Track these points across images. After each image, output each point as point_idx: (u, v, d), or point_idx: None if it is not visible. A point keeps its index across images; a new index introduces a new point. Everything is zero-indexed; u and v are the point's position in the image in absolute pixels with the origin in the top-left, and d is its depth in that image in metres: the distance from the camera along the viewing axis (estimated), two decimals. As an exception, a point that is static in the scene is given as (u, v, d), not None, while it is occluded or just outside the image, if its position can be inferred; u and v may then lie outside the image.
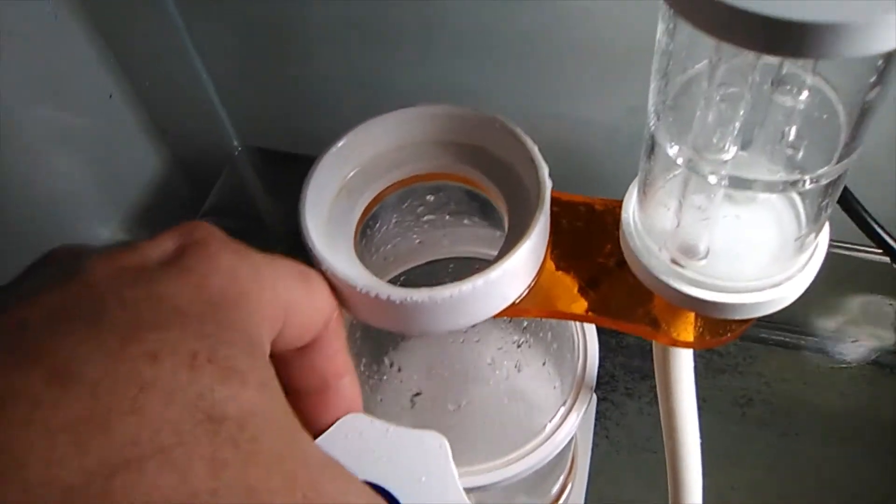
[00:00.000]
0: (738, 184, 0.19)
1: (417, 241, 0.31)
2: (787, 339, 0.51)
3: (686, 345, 0.24)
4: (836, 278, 0.47)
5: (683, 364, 0.25)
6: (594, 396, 0.47)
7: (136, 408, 0.11)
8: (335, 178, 0.25)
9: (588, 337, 0.31)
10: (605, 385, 0.50)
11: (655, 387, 0.28)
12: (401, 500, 0.17)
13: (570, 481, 0.42)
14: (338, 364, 0.18)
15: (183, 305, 0.13)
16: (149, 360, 0.11)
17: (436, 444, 0.18)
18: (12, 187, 0.42)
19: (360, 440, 0.18)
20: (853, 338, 0.49)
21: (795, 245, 0.22)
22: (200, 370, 0.12)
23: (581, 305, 0.24)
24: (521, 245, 0.22)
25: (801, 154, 0.20)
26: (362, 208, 0.26)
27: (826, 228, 0.23)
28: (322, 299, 0.16)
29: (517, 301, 0.24)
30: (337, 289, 0.23)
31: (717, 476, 0.45)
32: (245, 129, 0.51)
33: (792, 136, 0.20)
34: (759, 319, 0.53)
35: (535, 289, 0.24)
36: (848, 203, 0.28)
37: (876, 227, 0.27)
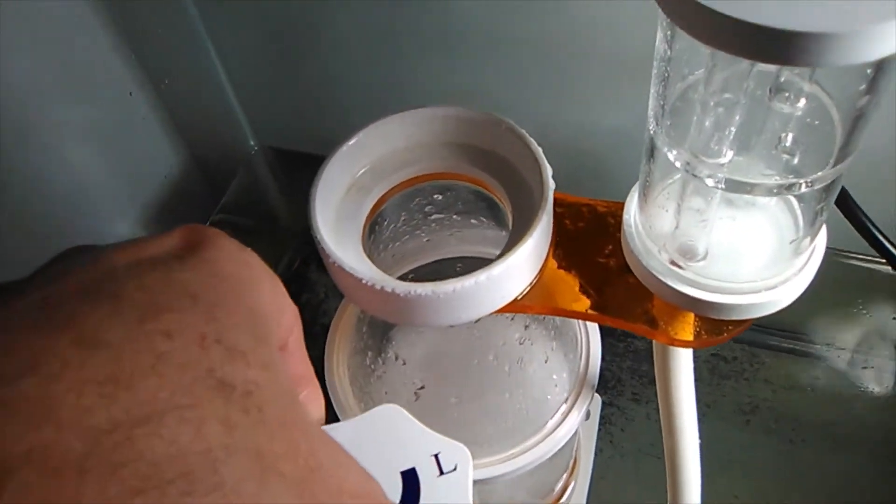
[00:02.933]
0: (735, 187, 0.20)
1: (426, 239, 0.32)
2: (796, 347, 0.51)
3: (684, 344, 0.24)
4: (847, 287, 0.47)
5: (682, 363, 0.25)
6: (599, 399, 0.48)
7: (155, 372, 0.12)
8: (345, 175, 0.26)
9: (591, 336, 0.31)
10: (612, 389, 0.50)
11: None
12: (421, 492, 0.18)
13: (571, 481, 0.43)
14: (300, 372, 0.18)
15: (196, 291, 0.14)
16: (163, 336, 0.12)
17: (462, 456, 0.18)
18: (32, 181, 0.44)
19: (392, 431, 0.19)
20: (860, 346, 0.49)
21: (791, 248, 0.22)
22: (209, 349, 0.13)
23: (582, 303, 0.24)
24: (523, 242, 0.23)
25: (797, 159, 0.20)
26: (371, 205, 0.27)
27: (823, 232, 0.23)
28: (291, 305, 0.17)
29: (519, 298, 0.24)
30: (345, 282, 0.24)
31: (720, 483, 0.46)
32: (262, 129, 0.52)
33: (788, 142, 0.20)
34: (768, 326, 0.53)
35: (537, 286, 0.25)
36: (850, 209, 0.29)
37: (876, 232, 0.27)
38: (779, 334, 0.51)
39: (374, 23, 0.43)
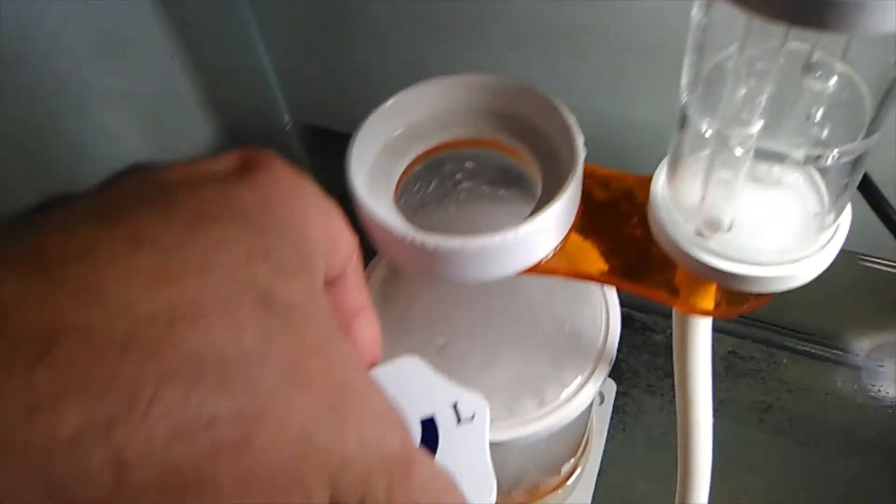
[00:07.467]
0: (764, 156, 0.20)
1: (453, 209, 0.33)
2: (814, 350, 0.51)
3: (704, 312, 0.24)
4: (868, 291, 0.47)
5: (701, 335, 0.26)
6: (614, 385, 0.48)
7: (200, 275, 0.12)
8: (380, 136, 0.27)
9: (611, 312, 0.32)
10: (627, 380, 0.50)
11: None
12: (440, 439, 0.19)
13: (581, 464, 0.43)
14: (358, 300, 0.18)
15: (247, 209, 0.14)
16: (212, 244, 0.13)
17: (480, 405, 0.19)
18: (65, 145, 0.45)
19: (412, 381, 0.20)
20: (879, 352, 0.49)
21: (816, 223, 0.23)
22: (255, 263, 0.13)
23: (604, 269, 0.25)
24: (551, 204, 0.23)
25: (825, 132, 0.21)
26: (404, 167, 0.28)
27: (848, 211, 0.23)
28: (350, 234, 0.17)
29: (544, 261, 0.25)
30: (375, 234, 0.25)
31: (730, 480, 0.46)
32: (297, 105, 0.53)
33: (818, 116, 0.21)
34: (787, 327, 0.52)
35: (561, 250, 0.25)
36: (874, 199, 0.29)
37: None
38: (798, 336, 0.51)
39: (418, 9, 0.43)
